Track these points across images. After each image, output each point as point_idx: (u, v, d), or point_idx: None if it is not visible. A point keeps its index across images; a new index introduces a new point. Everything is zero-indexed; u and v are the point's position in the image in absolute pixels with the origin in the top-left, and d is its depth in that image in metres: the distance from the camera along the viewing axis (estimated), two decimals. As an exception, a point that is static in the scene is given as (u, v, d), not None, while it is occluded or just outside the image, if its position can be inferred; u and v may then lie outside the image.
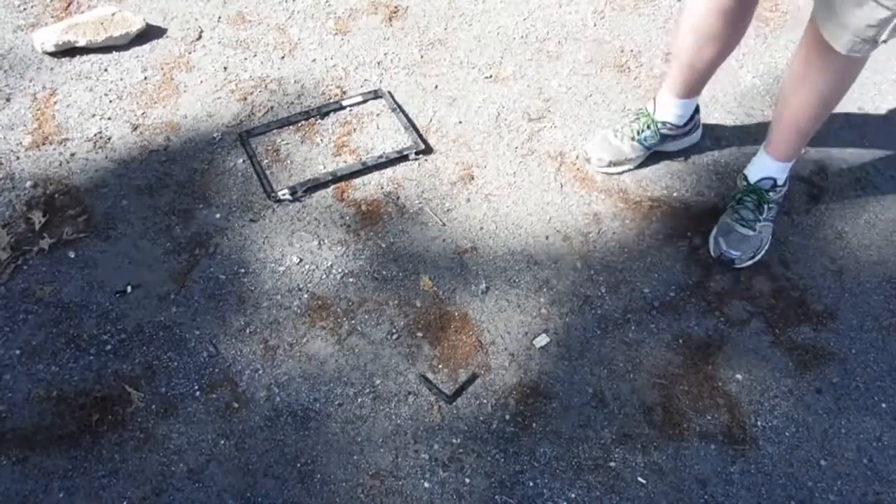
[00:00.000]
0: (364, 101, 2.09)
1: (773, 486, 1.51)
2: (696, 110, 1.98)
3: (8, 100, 2.02)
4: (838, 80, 1.60)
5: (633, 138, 1.95)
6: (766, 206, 1.82)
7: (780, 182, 1.82)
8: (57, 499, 1.42)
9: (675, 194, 1.96)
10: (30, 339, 1.61)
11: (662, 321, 1.73)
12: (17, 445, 1.47)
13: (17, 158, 1.90)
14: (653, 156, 2.00)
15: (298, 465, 1.48)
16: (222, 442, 1.50)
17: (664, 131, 1.94)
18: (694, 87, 1.87)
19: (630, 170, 1.99)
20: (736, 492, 1.50)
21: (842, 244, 1.89)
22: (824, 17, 1.45)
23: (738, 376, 1.66)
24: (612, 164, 1.96)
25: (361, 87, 2.14)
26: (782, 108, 1.72)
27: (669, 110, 1.91)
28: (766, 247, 1.84)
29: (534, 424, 1.56)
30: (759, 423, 1.59)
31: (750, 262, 1.81)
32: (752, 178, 1.83)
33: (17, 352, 1.59)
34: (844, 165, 2.06)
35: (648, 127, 1.94)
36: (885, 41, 1.42)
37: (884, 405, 1.63)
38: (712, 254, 1.82)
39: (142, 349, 1.61)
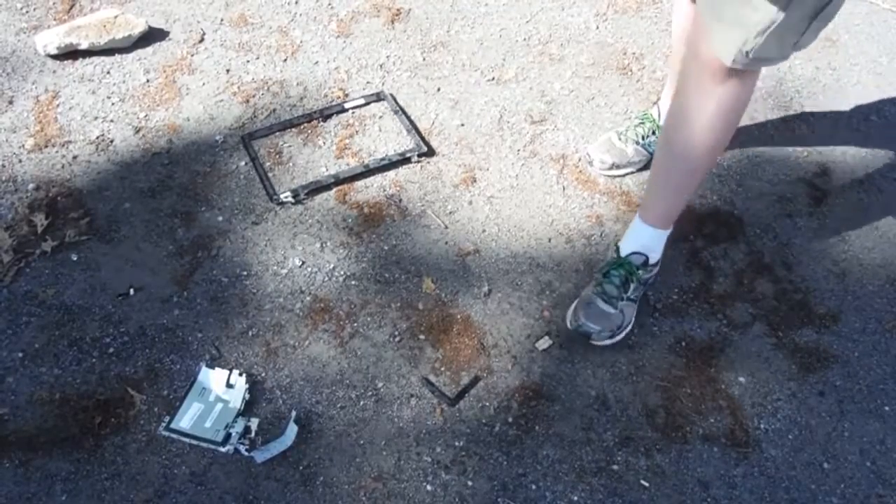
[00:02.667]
0: (366, 104, 2.09)
1: (776, 488, 1.51)
2: None
3: (10, 102, 2.02)
4: (716, 120, 1.41)
5: (637, 142, 1.94)
6: (632, 284, 1.67)
7: (651, 260, 1.68)
8: (59, 501, 1.42)
9: (677, 197, 1.96)
10: (32, 342, 1.61)
11: (665, 324, 1.73)
12: (19, 448, 1.47)
13: (20, 161, 1.90)
14: (655, 158, 2.00)
15: (301, 467, 1.48)
16: (225, 444, 1.50)
17: None
18: None
19: (632, 173, 1.98)
20: (739, 494, 1.50)
21: (844, 247, 1.89)
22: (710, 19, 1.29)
23: (741, 379, 1.65)
24: (614, 166, 1.95)
25: (364, 89, 2.14)
26: (655, 163, 1.60)
27: None
28: (628, 328, 1.68)
29: (536, 427, 1.56)
30: (761, 425, 1.59)
31: (609, 342, 1.66)
32: (624, 251, 1.69)
33: (20, 354, 1.59)
34: (847, 168, 2.05)
35: (654, 133, 1.93)
36: (748, 52, 1.25)
37: (887, 408, 1.63)
38: (569, 326, 1.67)
39: (144, 352, 1.61)
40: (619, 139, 1.95)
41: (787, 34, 1.24)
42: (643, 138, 1.94)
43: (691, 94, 1.41)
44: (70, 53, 2.13)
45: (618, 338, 1.67)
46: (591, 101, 2.16)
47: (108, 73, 2.11)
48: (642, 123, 1.95)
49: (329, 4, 2.34)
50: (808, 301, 1.79)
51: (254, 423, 1.51)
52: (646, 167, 1.99)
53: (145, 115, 2.02)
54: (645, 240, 1.68)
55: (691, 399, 1.62)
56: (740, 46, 1.25)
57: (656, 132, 1.93)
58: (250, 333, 1.66)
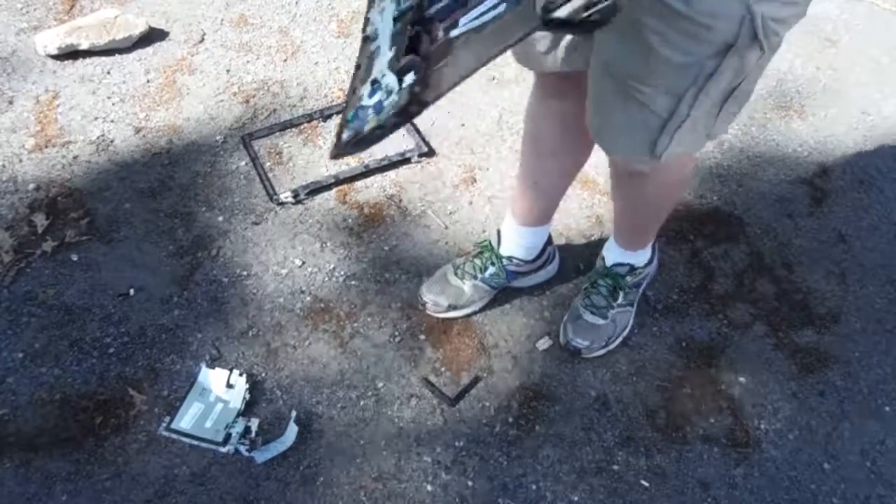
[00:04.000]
0: (366, 104, 2.09)
1: (777, 489, 1.51)
2: (549, 240, 1.70)
3: (10, 103, 2.02)
4: (658, 187, 1.36)
5: (475, 277, 1.66)
6: (622, 292, 1.64)
7: (637, 265, 1.65)
8: (60, 502, 1.42)
9: (677, 197, 1.96)
10: (33, 342, 1.61)
11: (665, 324, 1.73)
12: (20, 448, 1.47)
13: (20, 161, 1.91)
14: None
15: (301, 467, 1.48)
16: (225, 445, 1.51)
17: (511, 268, 1.67)
18: (543, 212, 1.64)
19: (476, 312, 1.71)
20: (739, 495, 1.50)
21: (845, 247, 1.89)
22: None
23: (742, 379, 1.65)
24: (451, 308, 1.67)
25: (364, 89, 2.13)
26: (615, 203, 1.55)
27: (515, 242, 1.65)
28: (625, 333, 1.67)
29: (537, 427, 1.56)
30: (762, 426, 1.59)
31: (602, 352, 1.64)
32: (609, 262, 1.65)
33: (20, 355, 1.59)
34: (847, 167, 2.05)
35: (493, 264, 1.66)
36: (660, 154, 1.17)
37: (887, 409, 1.63)
38: (561, 342, 1.66)
39: (144, 352, 1.61)
40: (456, 275, 1.67)
41: (698, 126, 1.13)
42: (481, 272, 1.66)
43: (623, 178, 1.37)
44: (70, 54, 2.13)
45: (611, 346, 1.65)
46: (591, 101, 2.15)
47: (109, 73, 2.11)
48: (480, 255, 1.68)
49: (329, 4, 2.34)
50: (809, 301, 1.79)
51: (254, 424, 1.52)
52: (489, 304, 1.73)
53: (145, 116, 2.02)
54: (623, 258, 1.64)
55: (691, 399, 1.62)
56: (649, 150, 1.16)
57: (495, 264, 1.66)
58: (250, 333, 1.66)
